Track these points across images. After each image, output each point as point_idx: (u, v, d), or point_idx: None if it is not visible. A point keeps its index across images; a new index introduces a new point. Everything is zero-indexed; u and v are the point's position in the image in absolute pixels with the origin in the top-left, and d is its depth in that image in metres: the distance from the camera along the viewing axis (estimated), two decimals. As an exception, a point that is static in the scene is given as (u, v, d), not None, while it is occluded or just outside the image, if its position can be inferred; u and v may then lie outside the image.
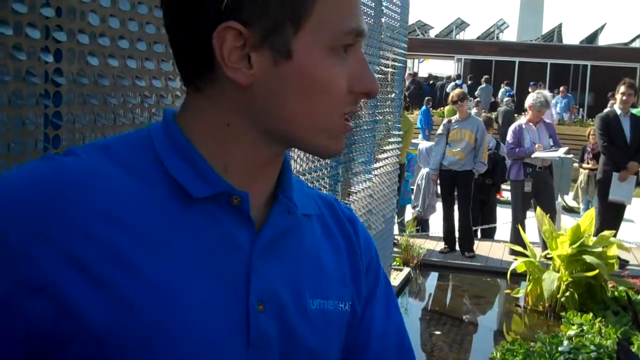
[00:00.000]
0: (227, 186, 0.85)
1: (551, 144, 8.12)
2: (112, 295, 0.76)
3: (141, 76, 2.29)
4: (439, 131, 8.52)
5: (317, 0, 0.83)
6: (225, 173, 0.86)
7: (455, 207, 8.50)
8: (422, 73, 32.64)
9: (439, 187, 8.94)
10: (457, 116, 8.47)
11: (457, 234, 8.54)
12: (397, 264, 7.81)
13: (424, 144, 10.32)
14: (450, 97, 9.16)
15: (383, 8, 5.78)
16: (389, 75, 6.33)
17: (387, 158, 6.47)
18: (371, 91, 0.89)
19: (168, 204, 0.82)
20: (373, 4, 5.41)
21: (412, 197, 9.82)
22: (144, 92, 2.33)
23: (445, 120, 8.81)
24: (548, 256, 6.93)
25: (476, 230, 9.12)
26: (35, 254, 0.75)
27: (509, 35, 40.27)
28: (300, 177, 4.10)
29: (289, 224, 0.91)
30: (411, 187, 9.78)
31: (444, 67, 35.64)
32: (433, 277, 8.20)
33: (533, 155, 7.94)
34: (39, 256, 0.75)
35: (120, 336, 0.76)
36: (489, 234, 9.57)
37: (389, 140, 6.61)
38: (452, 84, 24.22)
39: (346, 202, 5.18)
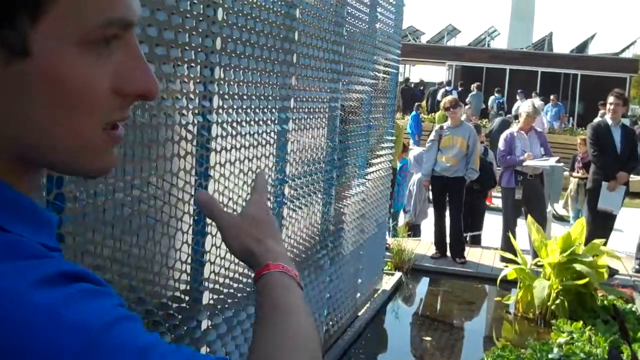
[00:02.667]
0: None
1: (542, 152, 8.16)
2: None
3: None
4: (431, 137, 8.53)
5: None
6: None
7: (447, 213, 8.52)
8: (414, 78, 32.71)
9: (430, 193, 8.96)
10: (449, 122, 8.49)
11: (448, 240, 8.56)
12: (389, 268, 7.83)
13: (414, 151, 10.34)
14: (442, 104, 9.17)
15: (377, 14, 5.79)
16: (382, 81, 6.34)
17: (380, 163, 6.48)
18: (146, 91, 0.72)
19: None
20: (367, 9, 5.42)
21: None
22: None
23: (437, 127, 8.84)
24: (539, 264, 6.96)
25: (465, 236, 9.15)
26: None
27: (500, 43, 40.35)
28: (295, 180, 4.05)
29: None
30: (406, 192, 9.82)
31: (435, 73, 35.77)
32: (424, 282, 8.21)
33: (524, 164, 7.99)
34: None
35: None
36: (476, 241, 9.59)
37: (382, 145, 6.62)
38: (443, 90, 24.32)
39: (340, 206, 5.19)
